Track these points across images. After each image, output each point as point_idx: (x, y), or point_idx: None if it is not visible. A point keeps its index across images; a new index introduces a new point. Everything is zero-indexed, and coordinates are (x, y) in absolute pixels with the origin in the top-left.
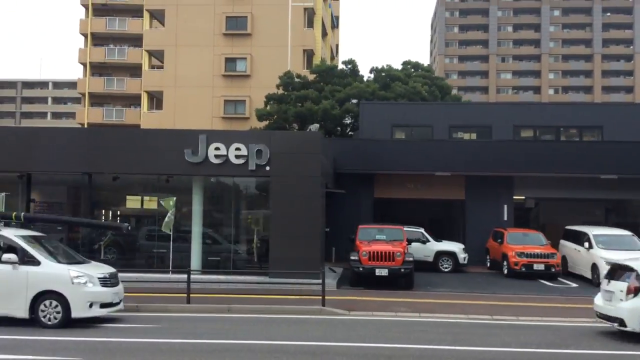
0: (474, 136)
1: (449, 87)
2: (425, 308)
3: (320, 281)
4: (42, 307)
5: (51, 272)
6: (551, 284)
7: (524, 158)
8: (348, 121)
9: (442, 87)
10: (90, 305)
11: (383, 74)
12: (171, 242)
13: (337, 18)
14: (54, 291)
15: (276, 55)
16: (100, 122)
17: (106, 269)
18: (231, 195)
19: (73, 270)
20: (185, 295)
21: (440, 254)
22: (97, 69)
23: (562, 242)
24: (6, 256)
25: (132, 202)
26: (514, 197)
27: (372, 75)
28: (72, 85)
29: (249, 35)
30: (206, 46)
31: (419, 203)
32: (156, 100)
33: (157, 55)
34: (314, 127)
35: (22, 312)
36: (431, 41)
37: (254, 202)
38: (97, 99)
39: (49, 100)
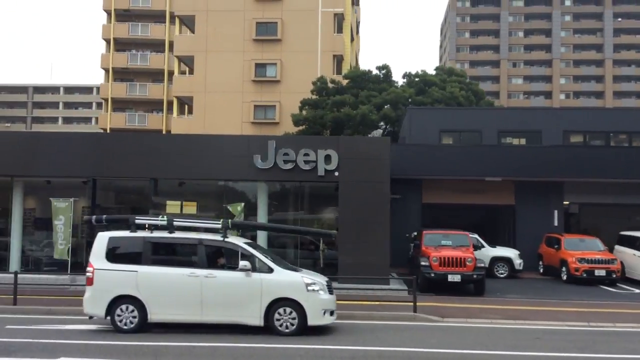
0: (523, 141)
1: (482, 92)
2: (515, 315)
3: (391, 287)
4: (276, 315)
5: (285, 279)
6: (614, 290)
7: (574, 163)
8: (383, 126)
9: (477, 92)
10: (324, 313)
11: (416, 79)
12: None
13: (358, 24)
14: (290, 299)
15: (306, 60)
16: (123, 127)
17: (322, 277)
18: (296, 200)
19: (306, 277)
20: None
21: (495, 260)
22: (119, 74)
23: (618, 247)
24: (242, 263)
25: (172, 208)
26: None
27: (404, 81)
28: (83, 90)
29: (279, 41)
30: (236, 52)
31: (467, 208)
32: (185, 105)
33: (186, 61)
34: (377, 132)
35: (257, 320)
36: (440, 46)
37: (320, 208)
38: (119, 104)
39: (60, 105)
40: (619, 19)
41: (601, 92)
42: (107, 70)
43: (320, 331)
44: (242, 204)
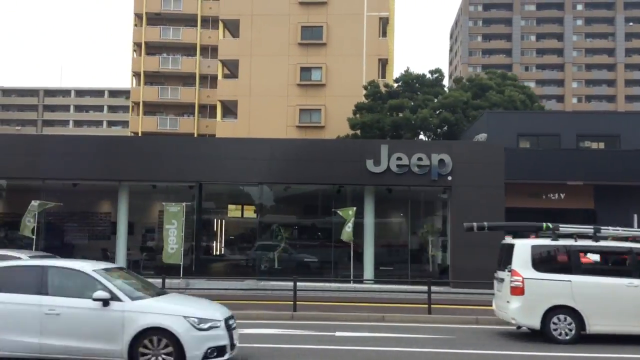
0: (601, 145)
1: (535, 96)
2: None
3: None
4: None
5: None
6: None
7: None
8: (439, 130)
9: (531, 96)
10: None
11: (467, 82)
12: (351, 252)
13: None
14: None
15: (351, 64)
16: (154, 131)
17: None
18: (405, 204)
19: None
20: (426, 305)
21: None
22: (149, 78)
23: None
24: None
25: (233, 212)
26: None
27: (453, 85)
28: (94, 93)
29: (324, 45)
30: (281, 55)
31: (546, 212)
32: (227, 109)
33: (229, 65)
34: (482, 136)
35: None
36: (451, 50)
37: (429, 212)
38: (149, 108)
39: (71, 108)
40: (631, 24)
41: (613, 96)
42: (137, 74)
43: None
44: (354, 208)
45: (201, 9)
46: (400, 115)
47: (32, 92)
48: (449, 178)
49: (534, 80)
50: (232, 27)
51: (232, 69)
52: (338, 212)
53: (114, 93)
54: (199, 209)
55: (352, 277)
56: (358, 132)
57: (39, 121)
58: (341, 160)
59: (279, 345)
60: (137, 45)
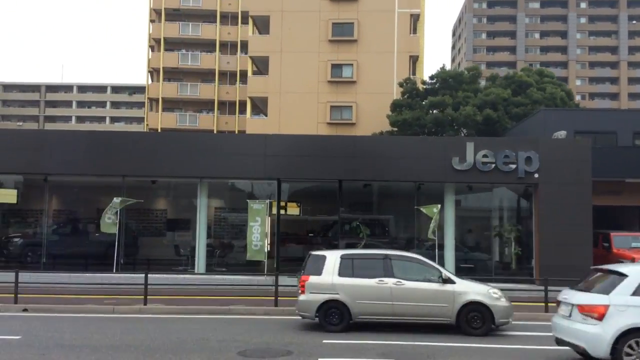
0: None
1: (572, 93)
2: None
3: None
4: None
5: None
6: None
7: None
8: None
9: (569, 93)
10: None
11: (503, 80)
12: (436, 249)
13: None
14: None
15: (382, 61)
16: (174, 127)
17: None
18: (487, 201)
19: None
20: (543, 304)
21: None
22: (167, 74)
23: None
24: None
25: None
26: None
27: (489, 82)
28: (96, 89)
29: (355, 42)
30: (311, 52)
31: (604, 210)
32: (254, 106)
33: (258, 62)
34: (561, 134)
35: None
36: (453, 47)
37: (512, 209)
38: (166, 104)
39: (74, 104)
40: (634, 22)
41: (616, 94)
42: (156, 70)
43: None
44: (439, 205)
45: (220, 4)
46: (439, 112)
47: (33, 88)
48: (536, 175)
49: None
50: (260, 24)
51: (259, 65)
52: (421, 209)
53: (116, 89)
54: (279, 206)
55: None
56: (395, 129)
57: (40, 117)
58: (424, 158)
59: None
60: (155, 41)
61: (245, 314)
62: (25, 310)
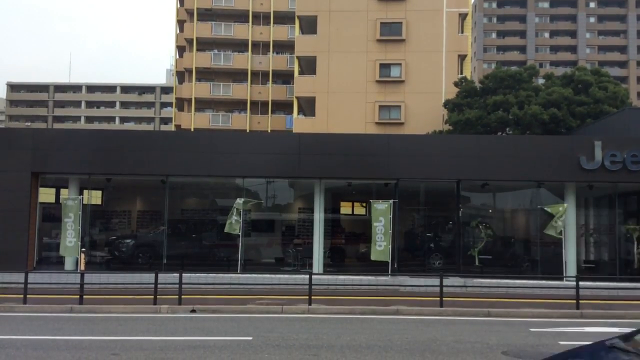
0: None
1: (626, 92)
2: None
3: None
4: None
5: None
6: None
7: None
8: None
9: (627, 93)
10: None
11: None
12: (563, 248)
13: None
14: None
15: (430, 60)
16: (207, 127)
17: None
18: (609, 201)
19: None
20: None
21: None
22: (199, 74)
23: None
24: None
25: (345, 208)
26: None
27: (543, 80)
28: (106, 89)
29: (403, 41)
30: (359, 52)
31: None
32: (299, 106)
33: (303, 62)
34: None
35: None
36: None
37: (634, 208)
38: (200, 105)
39: (82, 104)
40: None
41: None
42: (188, 71)
43: None
44: (565, 204)
45: (252, 4)
46: (502, 111)
47: (41, 88)
48: None
49: None
50: (305, 24)
51: (303, 65)
52: (546, 208)
53: (126, 89)
54: (398, 206)
55: (563, 274)
56: (450, 128)
57: (49, 117)
58: (548, 157)
59: None
60: (187, 41)
61: (412, 315)
62: (193, 311)
